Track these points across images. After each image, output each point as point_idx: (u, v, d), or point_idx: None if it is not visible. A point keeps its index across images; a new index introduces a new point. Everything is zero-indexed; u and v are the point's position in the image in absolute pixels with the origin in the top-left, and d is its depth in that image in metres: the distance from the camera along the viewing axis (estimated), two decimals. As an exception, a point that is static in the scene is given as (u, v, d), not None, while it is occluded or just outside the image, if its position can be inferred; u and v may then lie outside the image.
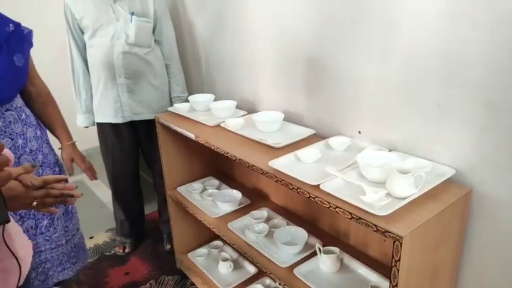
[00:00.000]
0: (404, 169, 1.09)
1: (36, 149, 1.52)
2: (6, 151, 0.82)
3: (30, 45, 1.51)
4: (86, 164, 1.76)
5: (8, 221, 0.76)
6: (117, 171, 2.30)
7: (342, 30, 1.42)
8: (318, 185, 1.15)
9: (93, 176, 1.79)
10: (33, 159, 1.49)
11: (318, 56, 1.54)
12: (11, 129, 1.42)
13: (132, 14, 1.96)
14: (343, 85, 1.48)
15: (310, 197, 1.15)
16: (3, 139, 1.38)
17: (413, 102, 1.26)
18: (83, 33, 2.03)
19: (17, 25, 1.43)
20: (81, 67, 2.09)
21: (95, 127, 2.23)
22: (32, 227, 1.52)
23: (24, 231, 1.37)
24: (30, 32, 1.50)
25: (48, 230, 1.58)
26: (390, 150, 1.35)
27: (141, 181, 2.45)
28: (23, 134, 1.47)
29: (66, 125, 1.72)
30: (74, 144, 1.72)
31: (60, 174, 1.64)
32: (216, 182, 2.10)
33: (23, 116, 1.48)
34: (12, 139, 1.42)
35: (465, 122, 1.14)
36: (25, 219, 1.50)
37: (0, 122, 1.38)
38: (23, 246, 0.99)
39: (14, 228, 0.98)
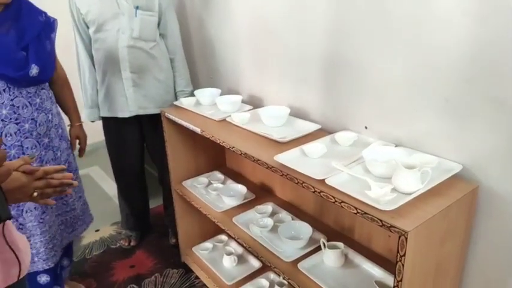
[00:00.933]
0: (410, 164, 1.08)
1: (58, 124, 1.74)
2: None
3: (55, 32, 1.69)
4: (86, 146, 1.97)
5: (10, 217, 0.76)
6: (122, 166, 2.31)
7: (350, 26, 1.41)
8: (324, 179, 1.15)
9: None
10: (57, 131, 1.73)
11: (325, 51, 1.53)
12: (45, 105, 1.64)
13: (137, 8, 1.96)
14: (350, 80, 1.47)
15: (315, 191, 1.15)
16: (40, 114, 1.61)
17: (420, 98, 1.25)
18: (88, 28, 2.03)
19: (45, 14, 1.63)
20: (87, 62, 2.10)
21: (101, 121, 2.24)
22: None
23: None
24: (55, 20, 1.68)
25: (66, 195, 1.57)
26: (396, 146, 1.34)
27: (146, 175, 2.46)
28: (51, 110, 1.68)
29: (77, 106, 1.92)
30: (81, 125, 1.93)
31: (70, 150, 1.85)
32: (221, 176, 2.10)
33: (51, 94, 1.72)
34: (45, 114, 1.64)
35: (473, 118, 1.13)
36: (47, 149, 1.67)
37: (38, 99, 1.61)
38: (22, 241, 1.00)
39: (10, 224, 0.99)
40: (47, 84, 1.69)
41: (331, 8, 1.45)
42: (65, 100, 1.85)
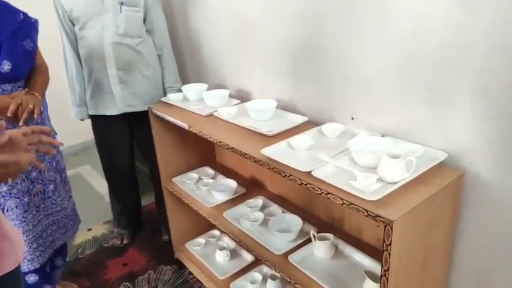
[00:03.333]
0: (395, 154, 1.08)
1: (40, 122, 1.69)
2: None
3: (37, 32, 1.69)
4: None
5: None
6: (112, 164, 2.30)
7: (334, 16, 1.40)
8: (310, 171, 1.15)
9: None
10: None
11: (310, 42, 1.53)
12: None
13: (122, 3, 1.93)
14: (335, 71, 1.47)
15: (302, 183, 1.15)
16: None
17: (406, 87, 1.25)
18: (74, 25, 2.00)
19: (25, 15, 1.63)
20: (74, 60, 2.07)
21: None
22: (40, 192, 1.69)
23: (34, 195, 1.65)
24: (36, 21, 1.68)
25: (54, 194, 1.75)
26: (383, 136, 1.34)
27: (137, 172, 2.45)
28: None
29: (44, 89, 1.72)
30: (33, 94, 1.61)
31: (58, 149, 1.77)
32: (211, 171, 2.10)
33: None
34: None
35: (457, 106, 1.13)
36: (35, 183, 1.65)
37: None
38: (14, 232, 0.99)
39: (1, 216, 0.98)
40: (25, 82, 1.65)
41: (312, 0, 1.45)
42: (31, 77, 1.67)
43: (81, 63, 2.09)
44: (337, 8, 1.38)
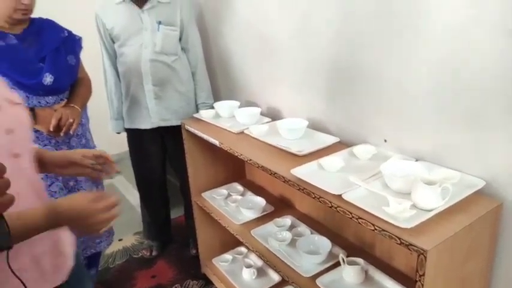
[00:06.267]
0: (430, 180, 1.05)
1: (81, 134, 1.79)
2: None
3: (80, 48, 1.82)
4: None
5: (11, 247, 0.71)
6: (145, 176, 2.35)
7: (369, 36, 1.39)
8: (341, 194, 1.13)
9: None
10: (79, 141, 1.78)
11: (344, 62, 1.52)
12: None
13: (160, 23, 2.01)
14: (368, 92, 1.45)
15: (332, 206, 1.14)
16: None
17: (442, 111, 1.22)
18: (114, 42, 2.10)
19: (69, 32, 1.76)
20: (113, 76, 2.16)
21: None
22: None
23: None
24: (80, 38, 1.82)
25: None
26: (417, 160, 1.31)
27: (168, 184, 2.50)
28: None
29: (85, 101, 1.81)
30: (74, 107, 1.69)
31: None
32: (240, 188, 2.10)
33: None
34: None
35: (496, 133, 1.09)
36: (72, 192, 1.70)
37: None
38: (70, 245, 1.04)
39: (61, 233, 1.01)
40: (68, 94, 1.74)
41: (345, 19, 1.44)
42: (73, 90, 1.75)
43: (119, 78, 2.17)
44: (372, 27, 1.37)
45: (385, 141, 1.44)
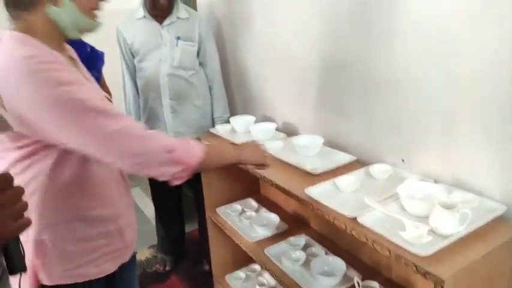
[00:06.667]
0: (448, 204, 1.02)
1: None
2: None
3: (103, 63, 1.89)
4: None
5: (25, 269, 0.70)
6: (160, 190, 2.36)
7: (386, 53, 1.37)
8: (355, 217, 1.10)
9: None
10: None
11: (361, 80, 1.50)
12: None
13: (178, 38, 2.03)
14: (387, 110, 1.42)
15: (346, 229, 1.11)
16: None
17: (461, 131, 1.19)
18: (134, 57, 2.14)
19: (92, 47, 1.84)
20: (132, 90, 2.20)
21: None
22: None
23: None
24: (102, 53, 1.88)
25: None
26: (435, 182, 1.27)
27: (183, 196, 2.50)
28: None
29: None
30: None
31: None
32: (255, 204, 2.08)
33: None
34: None
35: (519, 155, 1.05)
36: None
37: None
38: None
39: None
40: None
41: (366, 36, 1.43)
42: None
43: (138, 93, 2.21)
44: (390, 47, 1.35)
45: (403, 160, 1.41)
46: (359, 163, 1.52)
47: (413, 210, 1.10)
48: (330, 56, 1.62)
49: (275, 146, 1.66)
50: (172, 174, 0.96)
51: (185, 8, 2.10)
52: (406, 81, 1.32)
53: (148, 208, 3.26)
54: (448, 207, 1.00)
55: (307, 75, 1.77)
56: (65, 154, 0.92)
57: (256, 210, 2.02)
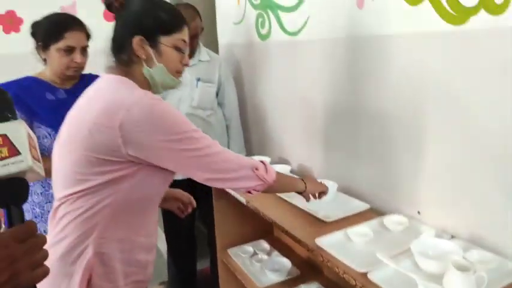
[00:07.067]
0: (464, 265, 0.98)
1: None
2: None
3: None
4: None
5: None
6: (174, 228, 2.36)
7: (403, 107, 1.37)
8: (366, 272, 1.07)
9: None
10: None
11: (378, 127, 1.50)
12: None
13: (198, 79, 2.09)
14: (404, 159, 1.40)
15: (356, 285, 1.07)
16: None
17: (480, 186, 1.15)
18: (155, 95, 2.20)
19: None
20: None
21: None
22: None
23: None
24: None
25: None
26: (452, 237, 1.23)
27: (197, 231, 2.48)
28: None
29: None
30: None
31: None
32: (267, 246, 2.05)
33: None
34: None
35: (539, 216, 1.01)
36: None
37: None
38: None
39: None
40: None
41: (383, 84, 1.44)
42: None
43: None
44: (409, 97, 1.35)
45: (419, 213, 1.37)
46: (373, 211, 1.49)
47: (427, 268, 1.06)
48: (346, 104, 1.63)
49: (288, 190, 1.65)
50: (253, 187, 1.14)
51: (207, 51, 2.17)
52: (425, 136, 1.31)
53: (162, 241, 3.25)
54: (464, 268, 0.96)
55: (322, 120, 1.78)
56: (146, 177, 1.04)
57: (268, 253, 1.99)
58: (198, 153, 1.03)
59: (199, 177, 1.09)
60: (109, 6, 1.11)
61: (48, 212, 1.62)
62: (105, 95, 1.02)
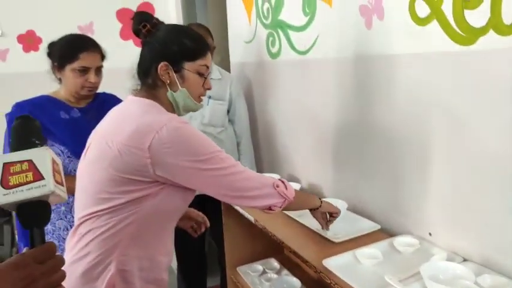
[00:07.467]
0: (475, 291, 0.95)
1: None
2: None
3: None
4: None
5: None
6: (184, 246, 2.36)
7: (411, 127, 1.36)
8: (374, 296, 1.05)
9: None
10: None
11: (387, 147, 1.48)
12: None
13: (210, 97, 2.12)
14: (415, 180, 1.38)
15: (364, 309, 1.05)
16: None
17: (490, 207, 1.13)
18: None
19: None
20: None
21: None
22: None
23: None
24: None
25: None
26: (465, 260, 1.20)
27: (209, 247, 2.47)
28: None
29: None
30: None
31: None
32: (277, 265, 2.03)
33: None
34: None
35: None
36: None
37: None
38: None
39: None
40: None
41: (392, 105, 1.43)
42: None
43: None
44: (415, 117, 1.34)
45: (430, 234, 1.34)
46: (383, 232, 1.47)
47: (437, 293, 1.03)
48: (355, 122, 1.62)
49: (298, 209, 1.64)
50: (275, 204, 1.16)
51: (218, 70, 2.20)
52: (438, 157, 1.29)
53: (174, 258, 3.24)
54: (475, 294, 0.94)
55: (331, 138, 1.78)
56: (168, 197, 1.07)
57: (278, 272, 1.97)
58: (223, 172, 1.07)
59: (222, 195, 1.13)
60: (137, 32, 1.16)
61: (60, 228, 1.65)
62: (137, 119, 1.06)
